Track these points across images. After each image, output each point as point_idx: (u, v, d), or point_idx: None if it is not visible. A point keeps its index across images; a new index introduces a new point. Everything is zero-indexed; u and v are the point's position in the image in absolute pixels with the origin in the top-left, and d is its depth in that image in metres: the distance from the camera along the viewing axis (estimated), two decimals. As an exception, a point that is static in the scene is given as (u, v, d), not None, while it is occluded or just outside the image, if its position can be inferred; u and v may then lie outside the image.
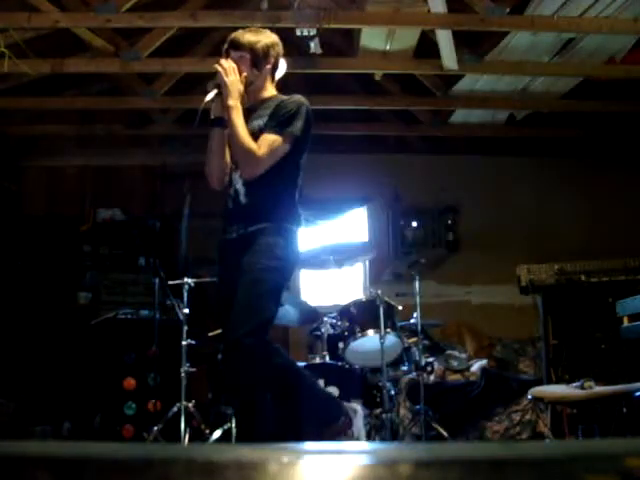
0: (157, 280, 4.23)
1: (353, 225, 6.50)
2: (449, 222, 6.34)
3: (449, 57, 4.50)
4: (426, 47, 4.61)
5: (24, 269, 5.66)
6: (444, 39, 4.31)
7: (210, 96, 2.57)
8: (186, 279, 4.11)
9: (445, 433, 3.82)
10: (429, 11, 4.06)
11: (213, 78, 2.60)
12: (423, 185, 6.31)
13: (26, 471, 0.48)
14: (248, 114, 2.62)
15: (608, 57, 4.68)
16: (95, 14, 4.07)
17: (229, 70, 2.55)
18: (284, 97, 2.65)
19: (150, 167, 6.34)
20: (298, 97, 2.62)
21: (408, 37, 4.45)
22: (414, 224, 6.36)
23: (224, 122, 2.61)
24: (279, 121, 2.54)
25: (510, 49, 4.56)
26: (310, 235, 5.75)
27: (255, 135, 2.54)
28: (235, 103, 2.53)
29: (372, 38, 4.46)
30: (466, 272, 6.18)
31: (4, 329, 5.12)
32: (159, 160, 6.32)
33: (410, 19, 4.16)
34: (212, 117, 2.66)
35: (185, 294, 4.07)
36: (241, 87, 2.57)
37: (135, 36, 4.66)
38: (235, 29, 2.54)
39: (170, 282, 4.16)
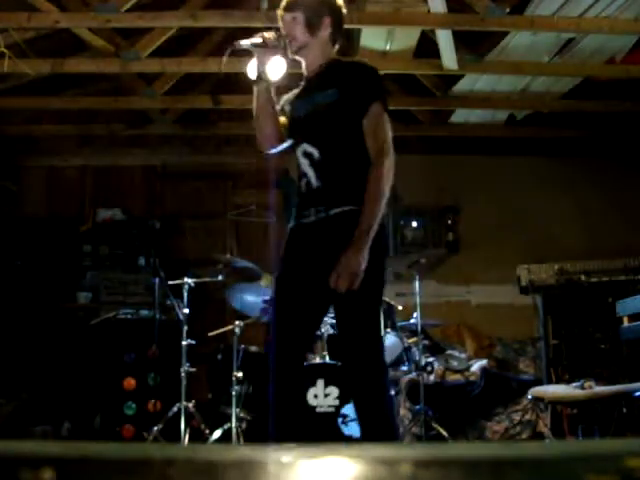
0: (157, 280, 4.23)
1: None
2: (449, 222, 6.34)
3: (449, 57, 4.50)
4: (426, 47, 4.61)
5: (24, 269, 5.66)
6: (444, 39, 4.31)
7: (247, 42, 2.34)
8: (186, 279, 4.11)
9: (445, 433, 3.82)
10: (429, 11, 4.06)
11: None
12: (423, 185, 6.30)
13: (26, 471, 0.48)
14: (307, 85, 2.44)
15: (608, 57, 4.68)
16: (95, 14, 4.07)
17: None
18: (344, 60, 2.47)
19: (150, 167, 6.34)
20: (364, 64, 2.44)
21: (408, 37, 4.45)
22: (414, 224, 6.36)
23: (264, 77, 2.38)
24: (368, 88, 2.35)
25: (510, 49, 4.56)
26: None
27: (326, 109, 2.32)
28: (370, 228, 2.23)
29: (372, 38, 4.46)
30: (466, 272, 6.18)
31: (4, 329, 5.12)
32: (159, 160, 6.33)
33: (410, 19, 4.15)
34: (254, 77, 2.40)
35: (185, 294, 4.07)
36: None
37: (135, 36, 4.66)
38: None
39: (170, 282, 4.16)
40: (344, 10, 2.48)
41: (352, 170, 2.33)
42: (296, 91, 2.54)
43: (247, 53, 2.43)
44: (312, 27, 2.37)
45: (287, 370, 2.33)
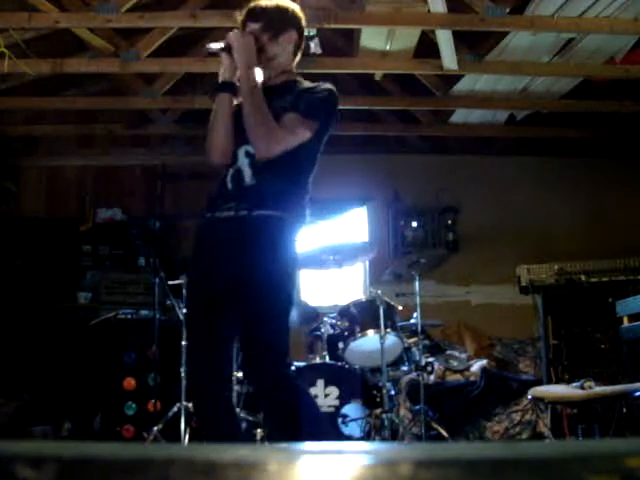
0: (157, 280, 4.22)
1: (353, 225, 6.50)
2: (449, 222, 6.34)
3: (449, 57, 4.50)
4: (426, 47, 4.61)
5: (24, 269, 5.66)
6: (444, 39, 4.31)
7: (216, 46, 2.28)
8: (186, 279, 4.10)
9: (445, 433, 3.82)
10: (429, 11, 4.06)
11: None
12: (423, 185, 6.31)
13: (26, 471, 0.48)
14: (266, 93, 2.31)
15: (608, 57, 4.68)
16: (95, 14, 4.07)
17: (244, 38, 2.25)
18: (310, 84, 2.39)
19: (150, 167, 6.34)
20: (328, 84, 2.36)
21: (408, 37, 4.45)
22: (414, 224, 6.36)
23: (234, 87, 2.29)
24: (306, 104, 2.26)
25: (510, 49, 4.56)
26: (310, 235, 5.75)
27: (276, 117, 2.25)
28: (252, 67, 2.24)
29: (372, 38, 4.46)
30: (466, 272, 6.18)
31: (4, 329, 5.12)
32: (159, 160, 6.33)
33: (410, 19, 4.15)
34: (220, 81, 2.33)
35: (185, 294, 4.07)
36: (254, 56, 2.26)
37: (135, 36, 4.66)
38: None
39: (170, 282, 4.16)
40: (304, 27, 2.45)
41: (285, 177, 2.29)
42: None
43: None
44: (277, 37, 2.34)
45: (204, 376, 2.26)
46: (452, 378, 4.74)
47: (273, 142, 2.22)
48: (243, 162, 2.31)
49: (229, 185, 2.32)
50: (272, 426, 2.29)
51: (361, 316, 3.98)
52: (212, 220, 2.31)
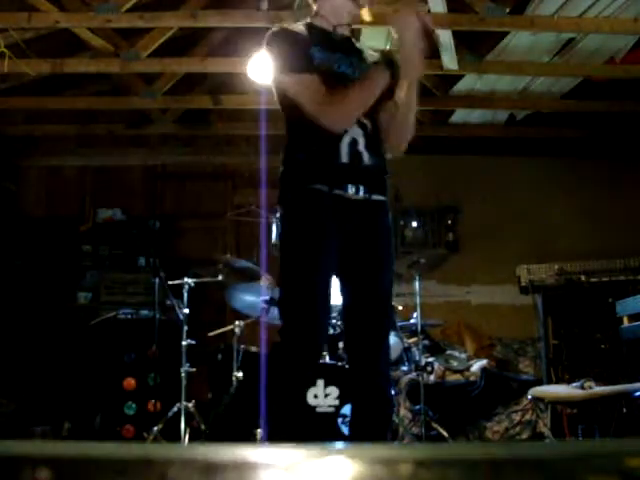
0: (157, 280, 4.23)
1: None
2: (449, 222, 6.34)
3: (449, 57, 4.50)
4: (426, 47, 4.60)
5: (24, 269, 5.66)
6: (444, 39, 4.31)
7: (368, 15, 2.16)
8: (186, 279, 4.11)
9: (445, 433, 3.82)
10: (429, 11, 4.06)
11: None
12: (423, 185, 6.30)
13: (26, 471, 0.48)
14: (337, 42, 2.23)
15: (608, 57, 4.69)
16: (95, 14, 4.07)
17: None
18: None
19: (150, 167, 6.34)
20: None
21: (408, 37, 4.44)
22: (414, 224, 6.36)
23: (394, 68, 2.09)
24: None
25: (510, 49, 4.56)
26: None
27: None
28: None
29: (372, 38, 4.45)
30: (466, 272, 6.18)
31: (4, 329, 5.12)
32: (159, 160, 6.33)
33: (410, 19, 4.15)
34: (384, 55, 2.20)
35: (185, 294, 4.07)
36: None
37: (135, 36, 4.66)
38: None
39: (170, 282, 4.16)
40: None
41: (384, 159, 2.24)
42: (310, 37, 2.20)
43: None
44: None
45: (306, 364, 2.09)
46: (452, 378, 4.74)
47: (406, 141, 2.23)
48: (356, 132, 2.11)
49: (344, 158, 2.08)
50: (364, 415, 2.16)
51: (361, 316, 3.97)
52: (337, 199, 2.08)
